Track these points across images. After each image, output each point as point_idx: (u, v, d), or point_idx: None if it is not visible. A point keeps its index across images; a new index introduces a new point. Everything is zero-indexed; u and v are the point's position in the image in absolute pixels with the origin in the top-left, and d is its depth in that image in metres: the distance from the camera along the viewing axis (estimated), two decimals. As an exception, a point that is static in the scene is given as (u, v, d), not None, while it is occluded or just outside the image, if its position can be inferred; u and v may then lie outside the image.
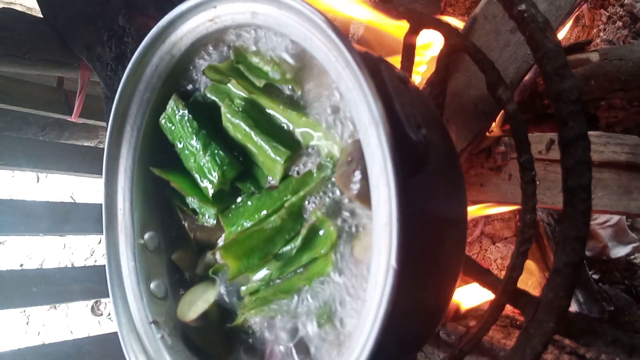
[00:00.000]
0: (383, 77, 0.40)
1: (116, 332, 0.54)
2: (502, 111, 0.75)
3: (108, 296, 0.56)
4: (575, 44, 0.96)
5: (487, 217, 0.95)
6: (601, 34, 0.97)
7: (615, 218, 0.91)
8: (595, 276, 0.92)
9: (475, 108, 0.69)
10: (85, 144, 2.11)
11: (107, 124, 0.57)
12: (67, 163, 1.88)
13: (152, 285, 0.57)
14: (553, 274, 0.48)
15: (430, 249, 0.43)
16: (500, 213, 0.92)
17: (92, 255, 2.46)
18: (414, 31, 0.60)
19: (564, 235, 0.48)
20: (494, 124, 0.77)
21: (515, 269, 0.53)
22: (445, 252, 0.46)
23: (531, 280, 0.88)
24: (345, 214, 0.47)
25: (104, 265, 0.57)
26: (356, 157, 0.43)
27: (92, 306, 2.36)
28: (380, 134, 0.38)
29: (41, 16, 1.46)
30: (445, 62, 0.58)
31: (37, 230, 1.69)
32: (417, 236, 0.40)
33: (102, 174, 0.58)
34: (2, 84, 1.68)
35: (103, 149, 0.57)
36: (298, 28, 0.45)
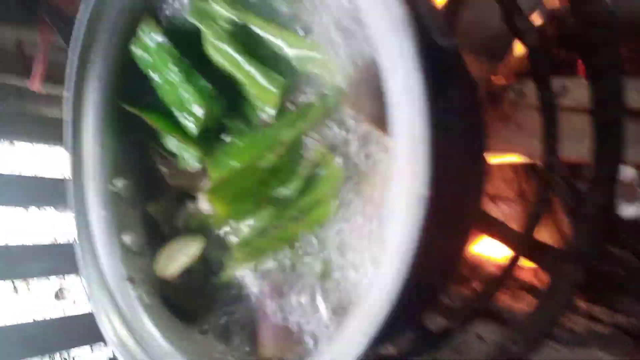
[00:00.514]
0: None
1: (84, 315, 0.48)
2: (509, 54, 0.70)
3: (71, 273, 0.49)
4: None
5: (489, 176, 0.90)
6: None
7: (626, 174, 0.87)
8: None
9: (484, 49, 0.63)
10: (49, 114, 1.99)
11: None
12: (29, 133, 1.76)
13: (125, 238, 0.50)
14: (581, 219, 0.44)
15: (454, 182, 0.38)
16: (502, 172, 0.87)
17: (53, 230, 2.35)
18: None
19: (594, 175, 0.43)
20: (501, 67, 0.72)
21: (536, 217, 0.48)
22: (467, 187, 0.41)
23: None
24: (353, 148, 0.41)
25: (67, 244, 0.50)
26: (369, 76, 0.37)
27: (57, 292, 2.27)
28: (402, 40, 0.32)
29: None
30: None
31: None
32: (444, 164, 0.34)
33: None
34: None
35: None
36: None
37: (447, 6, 0.55)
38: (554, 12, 0.63)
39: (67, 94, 0.50)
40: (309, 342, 0.40)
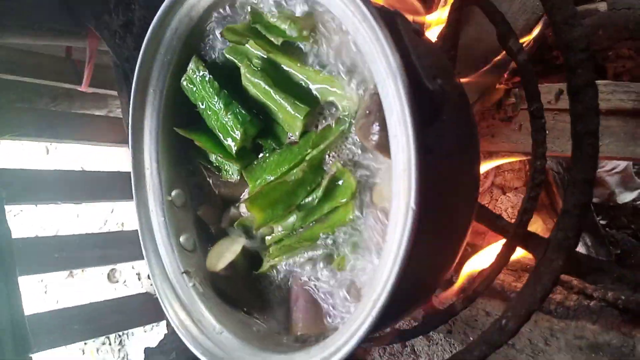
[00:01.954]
0: (399, 29, 0.42)
1: (134, 296, 0.58)
2: (512, 63, 0.76)
3: (122, 261, 0.59)
4: (584, -6, 0.96)
5: (498, 168, 0.97)
6: (609, -17, 0.97)
7: (622, 165, 0.93)
8: (603, 222, 0.95)
9: (486, 61, 0.70)
10: (96, 113, 2.13)
11: (118, 90, 0.59)
12: (79, 132, 1.91)
13: (181, 239, 0.60)
14: (562, 215, 0.51)
15: (446, 193, 0.46)
16: (511, 164, 0.94)
17: (105, 224, 2.50)
18: (425, -14, 0.61)
19: (573, 178, 0.50)
20: (504, 76, 0.78)
21: (526, 212, 0.55)
22: (460, 196, 0.49)
23: (540, 227, 0.91)
24: (365, 164, 0.49)
25: (119, 232, 0.60)
26: (374, 110, 0.45)
27: (109, 274, 2.42)
28: (398, 85, 0.40)
29: (47, -14, 1.46)
30: (457, 16, 0.60)
31: (51, 199, 1.73)
32: (434, 180, 0.42)
33: (112, 142, 0.60)
34: (11, 56, 1.69)
35: (113, 117, 0.60)
36: (314, -15, 0.46)
37: (448, 25, 0.63)
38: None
39: (129, 121, 0.60)
40: (330, 321, 0.49)
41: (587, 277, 0.55)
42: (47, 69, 1.82)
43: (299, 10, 0.51)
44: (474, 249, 0.67)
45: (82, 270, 2.49)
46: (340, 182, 0.51)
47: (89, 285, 2.42)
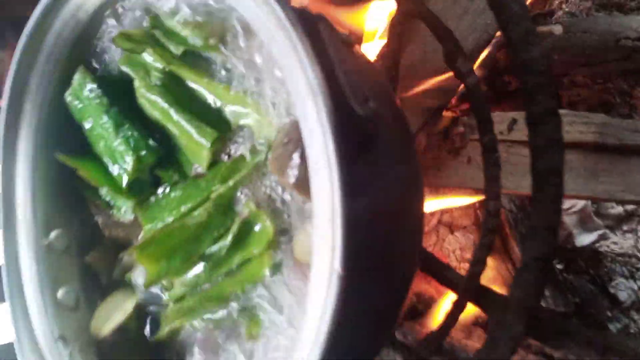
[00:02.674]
0: (323, 38, 0.33)
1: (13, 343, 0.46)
2: (460, 87, 0.69)
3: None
4: (537, 14, 0.91)
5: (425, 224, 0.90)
6: (563, 6, 0.93)
7: (580, 204, 0.88)
8: (560, 266, 0.88)
9: (431, 82, 0.63)
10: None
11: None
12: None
13: (59, 293, 0.48)
14: (521, 269, 0.43)
15: (382, 244, 0.37)
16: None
17: None
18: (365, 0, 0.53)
19: (533, 224, 0.42)
20: (452, 101, 0.71)
21: (478, 263, 0.47)
22: (399, 247, 0.40)
23: (491, 274, 0.84)
24: (284, 206, 0.40)
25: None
26: (294, 138, 0.36)
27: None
28: (319, 107, 0.31)
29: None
30: (398, 31, 0.52)
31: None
32: (365, 232, 0.33)
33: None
34: None
35: None
36: (222, -20, 0.37)
37: (389, 42, 0.54)
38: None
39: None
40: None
41: (551, 341, 0.47)
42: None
43: (205, 13, 0.41)
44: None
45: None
46: (254, 228, 0.41)
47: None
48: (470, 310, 0.66)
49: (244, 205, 0.41)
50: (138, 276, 0.47)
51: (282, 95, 0.38)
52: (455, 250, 0.89)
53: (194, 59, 0.43)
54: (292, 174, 0.35)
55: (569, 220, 0.86)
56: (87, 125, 0.47)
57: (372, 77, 0.40)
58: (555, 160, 0.42)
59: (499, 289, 0.53)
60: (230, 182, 0.41)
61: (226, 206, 0.42)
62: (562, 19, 0.90)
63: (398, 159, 0.38)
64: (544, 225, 0.42)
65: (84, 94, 0.46)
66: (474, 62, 0.67)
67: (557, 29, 0.77)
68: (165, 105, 0.43)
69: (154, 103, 0.43)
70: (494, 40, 0.68)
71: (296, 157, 0.35)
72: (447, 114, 0.72)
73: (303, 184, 0.34)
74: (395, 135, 0.39)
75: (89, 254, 0.50)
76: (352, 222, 0.30)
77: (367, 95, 0.33)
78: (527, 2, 0.86)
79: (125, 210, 0.47)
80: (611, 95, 0.88)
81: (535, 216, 0.42)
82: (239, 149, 0.42)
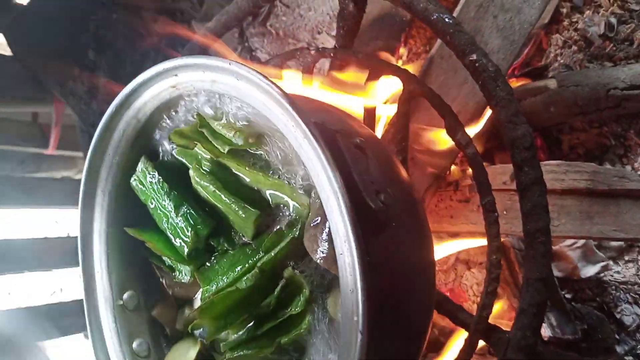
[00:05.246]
0: (340, 147, 0.42)
1: None
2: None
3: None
4: (533, 69, 0.99)
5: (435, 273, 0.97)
6: (558, 58, 1.00)
7: (582, 240, 0.94)
8: (568, 295, 0.95)
9: (439, 142, 0.71)
10: (64, 174, 2.10)
11: (84, 153, 0.58)
12: (47, 197, 1.86)
13: (134, 345, 0.58)
14: (519, 314, 0.50)
15: (399, 302, 0.45)
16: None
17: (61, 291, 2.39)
18: (373, 78, 0.61)
19: (526, 277, 0.50)
20: (459, 157, 0.79)
21: (485, 308, 0.54)
22: (415, 302, 0.48)
23: (505, 305, 0.90)
24: (319, 272, 0.48)
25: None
26: (323, 219, 0.44)
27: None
28: (340, 205, 0.39)
29: (10, 54, 1.45)
30: (405, 108, 0.60)
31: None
32: (384, 297, 0.41)
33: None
34: (-25, 124, 1.67)
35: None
36: (257, 96, 0.46)
37: (398, 117, 0.63)
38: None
39: (78, 225, 0.58)
40: None
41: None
42: (13, 134, 1.79)
43: (246, 116, 0.50)
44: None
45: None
46: (294, 290, 0.49)
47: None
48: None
49: (285, 271, 0.49)
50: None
51: (312, 185, 0.47)
52: (472, 285, 0.97)
53: (237, 151, 0.52)
54: (322, 253, 0.44)
55: (573, 254, 0.93)
56: (151, 205, 0.56)
57: (384, 165, 0.49)
58: (541, 222, 0.50)
59: (512, 315, 0.59)
60: (272, 253, 0.49)
61: (271, 272, 0.50)
62: (557, 70, 0.96)
63: (408, 230, 0.47)
64: (536, 277, 0.50)
65: (147, 180, 0.56)
66: (478, 121, 0.75)
67: (552, 83, 0.85)
68: (216, 190, 0.52)
69: (206, 187, 0.53)
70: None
71: (325, 236, 0.44)
72: (455, 168, 0.80)
73: (331, 261, 0.43)
74: (405, 211, 0.47)
75: (155, 309, 0.60)
76: (371, 293, 0.38)
77: (379, 189, 0.42)
78: (525, 55, 0.94)
79: (185, 273, 0.56)
80: (607, 138, 0.95)
81: (527, 270, 0.50)
82: (279, 222, 0.51)
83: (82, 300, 0.57)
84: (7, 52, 1.44)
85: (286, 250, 0.50)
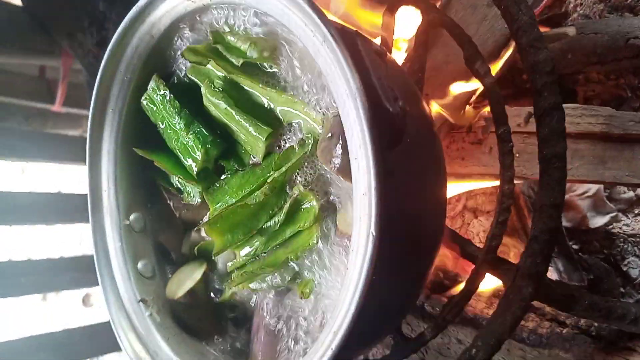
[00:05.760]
0: (360, 50, 0.41)
1: (107, 322, 0.55)
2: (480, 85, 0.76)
3: (96, 285, 0.57)
4: (552, 15, 0.97)
5: (470, 191, 0.96)
6: (578, 9, 0.98)
7: (593, 189, 0.93)
8: (575, 246, 0.94)
9: (454, 82, 0.70)
10: (70, 133, 2.09)
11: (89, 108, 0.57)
12: (52, 152, 1.86)
13: (139, 265, 0.57)
14: (531, 241, 0.50)
15: (409, 218, 0.44)
16: (482, 187, 0.94)
17: (80, 245, 2.43)
18: (392, 8, 0.60)
19: (540, 203, 0.49)
20: (473, 98, 0.78)
21: (495, 237, 0.54)
22: (425, 221, 0.47)
23: (513, 252, 0.90)
24: (328, 188, 0.48)
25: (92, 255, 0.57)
26: (336, 132, 0.44)
27: (83, 298, 2.35)
28: (358, 106, 0.38)
29: (20, 4, 1.44)
30: (424, 38, 0.59)
31: (25, 221, 1.68)
32: (396, 205, 0.40)
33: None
34: (-18, 75, 1.66)
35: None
36: (276, 4, 0.45)
37: (415, 48, 0.62)
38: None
39: (87, 142, 0.57)
40: (290, 354, 0.47)
41: (558, 305, 0.53)
42: (20, 88, 1.78)
43: (260, 30, 0.49)
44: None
45: (57, 294, 2.41)
46: (303, 206, 0.49)
47: (63, 310, 2.35)
48: (491, 284, 0.73)
49: (295, 187, 0.49)
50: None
51: (325, 98, 0.46)
52: (479, 233, 0.96)
53: (251, 68, 0.51)
54: (336, 162, 0.43)
55: (583, 204, 0.92)
56: (161, 124, 0.56)
57: (401, 81, 0.48)
58: (558, 147, 0.49)
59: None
60: (283, 169, 0.49)
61: (280, 189, 0.50)
62: (576, 21, 0.95)
63: (423, 148, 0.46)
64: (550, 203, 0.49)
65: (158, 99, 0.55)
66: (495, 63, 0.74)
67: (571, 31, 0.83)
68: (228, 108, 0.51)
69: (217, 106, 0.52)
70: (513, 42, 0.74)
71: (339, 148, 0.43)
72: (469, 109, 0.79)
73: (345, 170, 0.42)
74: (421, 127, 0.46)
75: (161, 234, 0.60)
76: (385, 195, 0.38)
77: (397, 96, 0.41)
78: (544, 4, 0.92)
79: (194, 194, 0.56)
80: (623, 90, 0.93)
81: (541, 195, 0.49)
82: (289, 141, 0.51)
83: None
84: (17, 2, 1.43)
85: (297, 166, 0.49)
